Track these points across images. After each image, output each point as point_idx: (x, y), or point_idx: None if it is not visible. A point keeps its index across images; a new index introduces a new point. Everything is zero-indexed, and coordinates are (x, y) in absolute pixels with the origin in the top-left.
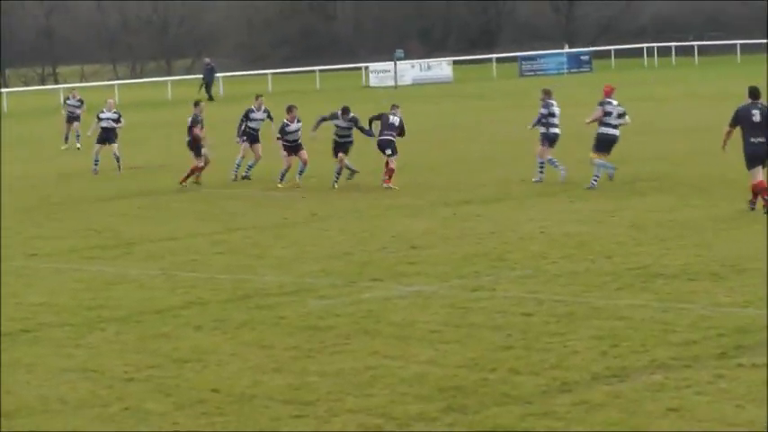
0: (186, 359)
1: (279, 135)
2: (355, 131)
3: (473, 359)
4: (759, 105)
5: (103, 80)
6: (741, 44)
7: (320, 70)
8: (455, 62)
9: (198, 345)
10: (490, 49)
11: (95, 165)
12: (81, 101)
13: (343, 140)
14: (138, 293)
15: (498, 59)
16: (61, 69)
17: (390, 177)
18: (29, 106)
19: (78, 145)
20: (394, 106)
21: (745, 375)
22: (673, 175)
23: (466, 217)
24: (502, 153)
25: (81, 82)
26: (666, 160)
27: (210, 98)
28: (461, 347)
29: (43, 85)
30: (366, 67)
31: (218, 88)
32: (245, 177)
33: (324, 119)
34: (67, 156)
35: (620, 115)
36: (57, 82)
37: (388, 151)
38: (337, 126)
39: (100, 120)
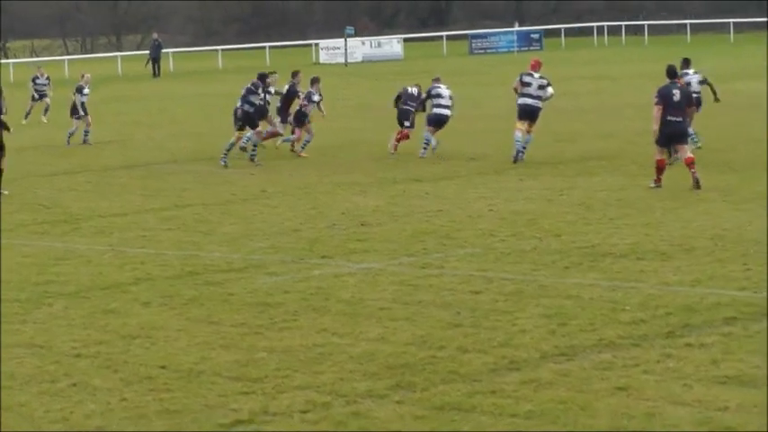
0: (134, 335)
1: (305, 102)
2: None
3: (421, 337)
4: (678, 85)
5: (55, 55)
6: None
7: (270, 47)
8: (406, 40)
9: (146, 321)
10: (441, 26)
11: (70, 137)
12: (48, 78)
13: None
14: (86, 269)
15: (449, 37)
16: (11, 44)
17: (399, 141)
18: None
19: (44, 119)
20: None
21: (693, 354)
22: (622, 153)
23: (415, 194)
24: (449, 131)
25: (31, 57)
26: (616, 138)
27: (156, 74)
28: (410, 325)
29: None
30: (316, 44)
31: (168, 64)
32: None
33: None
34: (26, 130)
35: (541, 87)
36: (6, 57)
37: (407, 123)
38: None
39: (83, 95)
